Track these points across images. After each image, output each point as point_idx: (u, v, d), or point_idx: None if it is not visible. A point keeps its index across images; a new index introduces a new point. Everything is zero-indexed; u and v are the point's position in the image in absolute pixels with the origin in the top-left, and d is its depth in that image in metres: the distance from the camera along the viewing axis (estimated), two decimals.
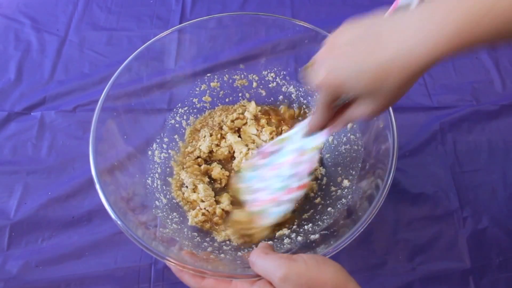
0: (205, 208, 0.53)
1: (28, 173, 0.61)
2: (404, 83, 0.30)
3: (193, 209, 0.54)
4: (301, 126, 0.44)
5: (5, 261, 0.54)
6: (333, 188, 0.54)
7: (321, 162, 0.59)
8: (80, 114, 0.67)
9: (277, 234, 0.51)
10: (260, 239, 0.50)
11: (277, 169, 0.48)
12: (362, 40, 0.31)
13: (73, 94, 0.70)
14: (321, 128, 0.41)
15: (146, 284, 0.53)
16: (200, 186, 0.55)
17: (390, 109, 0.46)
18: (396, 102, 0.33)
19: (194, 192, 0.55)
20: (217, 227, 0.53)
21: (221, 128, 0.62)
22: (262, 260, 0.35)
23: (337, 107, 0.38)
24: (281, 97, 0.64)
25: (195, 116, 0.64)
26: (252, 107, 0.63)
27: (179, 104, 0.62)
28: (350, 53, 0.32)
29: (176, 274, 0.39)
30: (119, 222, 0.40)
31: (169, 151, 0.59)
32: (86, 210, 0.58)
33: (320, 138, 0.43)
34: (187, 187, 0.56)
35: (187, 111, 0.63)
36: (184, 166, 0.59)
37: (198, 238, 0.50)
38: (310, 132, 0.43)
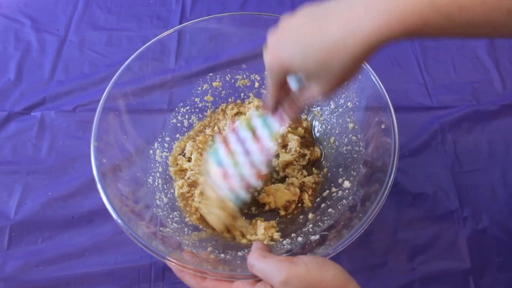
0: (189, 178, 0.53)
1: (28, 173, 0.61)
2: (350, 64, 0.30)
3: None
4: (259, 111, 0.45)
5: (5, 261, 0.54)
6: (334, 189, 0.54)
7: (322, 162, 0.59)
8: (80, 114, 0.67)
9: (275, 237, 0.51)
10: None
11: (240, 156, 0.47)
12: (310, 21, 0.31)
13: (73, 94, 0.70)
14: (274, 109, 0.42)
15: (146, 284, 0.53)
16: (193, 156, 0.55)
17: (392, 109, 0.46)
18: (343, 84, 0.33)
19: (189, 161, 0.56)
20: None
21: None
22: (261, 263, 0.34)
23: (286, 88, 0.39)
24: None
25: (196, 115, 0.64)
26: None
27: (181, 104, 0.62)
28: (297, 34, 0.32)
29: (177, 274, 0.39)
30: (119, 222, 0.40)
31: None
32: (86, 210, 0.58)
33: (277, 126, 0.43)
34: (184, 155, 0.57)
35: (189, 111, 0.63)
36: (195, 138, 0.60)
37: (197, 238, 0.50)
38: (264, 111, 0.43)
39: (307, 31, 0.31)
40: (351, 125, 0.56)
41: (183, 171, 0.57)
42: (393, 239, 0.56)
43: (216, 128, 0.62)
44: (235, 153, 0.47)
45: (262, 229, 0.50)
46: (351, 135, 0.55)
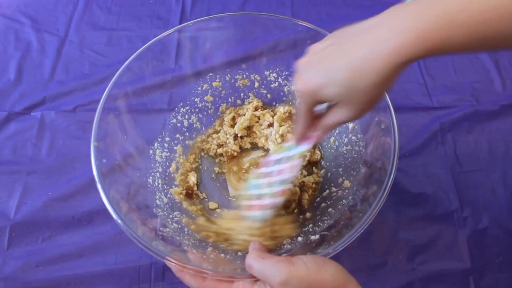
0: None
1: (28, 173, 0.61)
2: (376, 83, 0.30)
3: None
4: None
5: (5, 261, 0.54)
6: (334, 189, 0.54)
7: (321, 162, 0.59)
8: (80, 114, 0.67)
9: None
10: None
11: (271, 178, 0.48)
12: (335, 45, 0.32)
13: (73, 94, 0.70)
14: (303, 136, 0.41)
15: (146, 284, 0.53)
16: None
17: (392, 109, 0.46)
18: (375, 106, 0.34)
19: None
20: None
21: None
22: (259, 264, 0.34)
23: (317, 114, 0.38)
24: (283, 97, 0.64)
25: (196, 115, 0.64)
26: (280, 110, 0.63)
27: (181, 104, 0.62)
28: (324, 60, 0.32)
29: (177, 274, 0.39)
30: (119, 222, 0.40)
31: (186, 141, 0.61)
32: (86, 210, 0.58)
33: (304, 146, 0.43)
34: None
35: (189, 111, 0.63)
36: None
37: (198, 237, 0.50)
38: (297, 141, 0.43)
39: (333, 56, 0.31)
40: (351, 125, 0.56)
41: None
42: (393, 239, 0.56)
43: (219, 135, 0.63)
44: (268, 177, 0.48)
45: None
46: (351, 135, 0.55)
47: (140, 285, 0.53)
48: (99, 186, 0.42)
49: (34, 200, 0.59)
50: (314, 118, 0.39)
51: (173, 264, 0.38)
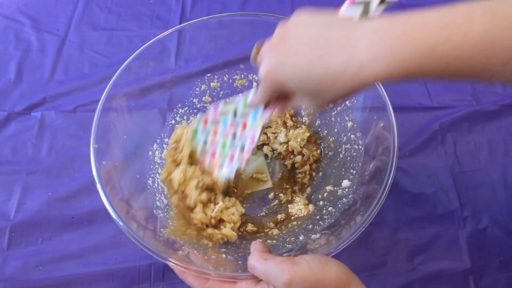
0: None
1: (28, 173, 0.61)
2: (343, 95, 0.31)
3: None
4: (245, 96, 0.45)
5: (5, 261, 0.54)
6: (333, 188, 0.54)
7: (321, 161, 0.59)
8: (80, 114, 0.67)
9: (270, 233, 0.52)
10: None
11: (223, 133, 0.49)
12: (314, 43, 0.30)
13: (73, 94, 0.70)
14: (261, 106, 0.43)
15: (146, 284, 0.53)
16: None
17: (391, 108, 0.46)
18: (333, 105, 0.34)
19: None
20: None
21: None
22: (262, 265, 0.34)
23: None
24: None
25: (195, 116, 0.64)
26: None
27: (179, 104, 0.62)
28: (298, 54, 0.31)
29: (180, 276, 0.39)
30: (120, 223, 0.40)
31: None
32: (86, 211, 0.58)
33: (263, 116, 0.44)
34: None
35: (188, 111, 0.63)
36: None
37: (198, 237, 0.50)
38: (251, 107, 0.44)
39: (307, 58, 0.30)
40: (350, 124, 0.56)
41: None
42: (393, 239, 0.56)
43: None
44: (221, 133, 0.49)
45: (301, 205, 0.53)
46: (350, 133, 0.55)
47: (140, 285, 0.53)
48: (99, 186, 0.42)
49: (34, 200, 0.59)
50: (273, 97, 0.40)
51: (176, 265, 0.38)
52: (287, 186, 0.58)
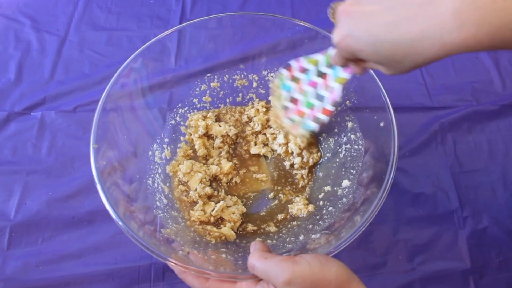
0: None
1: (28, 173, 0.61)
2: (421, 64, 0.29)
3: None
4: (326, 53, 0.44)
5: (5, 261, 0.54)
6: (333, 188, 0.54)
7: (320, 161, 0.59)
8: (80, 114, 0.67)
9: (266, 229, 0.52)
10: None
11: (307, 86, 0.48)
12: (386, 9, 0.29)
13: (73, 94, 0.70)
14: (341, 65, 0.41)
15: (146, 284, 0.53)
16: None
17: (391, 109, 0.46)
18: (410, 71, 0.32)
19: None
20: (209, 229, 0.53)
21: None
22: (262, 264, 0.34)
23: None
24: None
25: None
26: None
27: (179, 104, 0.62)
28: (371, 24, 0.30)
29: (179, 276, 0.39)
30: (120, 223, 0.40)
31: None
32: (86, 210, 0.58)
33: (343, 74, 0.43)
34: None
35: (188, 111, 0.63)
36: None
37: (198, 238, 0.50)
38: (332, 64, 0.43)
39: (381, 23, 0.29)
40: (350, 124, 0.56)
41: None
42: (393, 239, 0.56)
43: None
44: (303, 83, 0.48)
45: (301, 205, 0.53)
46: (350, 133, 0.55)
47: (140, 285, 0.53)
48: (98, 187, 0.42)
49: (34, 200, 0.59)
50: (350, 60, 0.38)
51: (176, 265, 0.38)
52: (287, 187, 0.58)
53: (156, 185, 0.54)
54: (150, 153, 0.56)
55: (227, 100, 0.65)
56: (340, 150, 0.57)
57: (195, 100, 0.63)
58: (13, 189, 0.60)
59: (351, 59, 0.37)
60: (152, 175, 0.55)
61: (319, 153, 0.59)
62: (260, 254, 0.36)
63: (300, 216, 0.54)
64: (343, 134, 0.57)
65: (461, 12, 0.25)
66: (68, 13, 0.81)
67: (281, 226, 0.54)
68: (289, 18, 0.57)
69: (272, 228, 0.53)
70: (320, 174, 0.58)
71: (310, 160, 0.58)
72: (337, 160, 0.56)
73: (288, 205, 0.55)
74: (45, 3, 0.82)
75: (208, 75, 0.62)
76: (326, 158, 0.59)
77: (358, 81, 0.53)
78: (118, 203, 0.43)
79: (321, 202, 0.54)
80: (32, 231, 0.57)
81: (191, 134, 0.61)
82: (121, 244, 0.55)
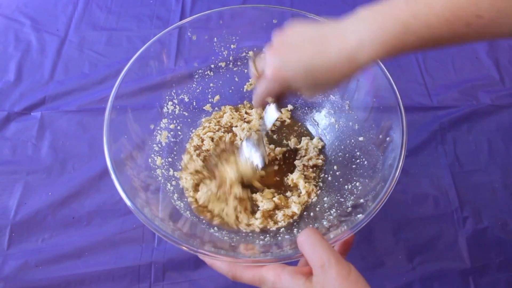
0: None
1: (28, 173, 0.61)
2: (342, 81, 0.36)
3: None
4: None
5: (5, 261, 0.54)
6: (338, 188, 0.54)
7: (326, 159, 0.59)
8: (80, 114, 0.67)
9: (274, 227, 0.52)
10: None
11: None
12: (309, 42, 0.35)
13: (73, 94, 0.70)
14: (263, 105, 0.46)
15: (146, 284, 0.53)
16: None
17: (402, 108, 0.46)
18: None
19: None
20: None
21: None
22: (313, 244, 0.34)
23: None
24: None
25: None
26: None
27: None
28: (300, 51, 0.36)
29: (207, 263, 0.39)
30: (141, 215, 0.40)
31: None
32: (86, 210, 0.58)
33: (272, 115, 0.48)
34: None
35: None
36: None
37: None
38: (256, 106, 0.47)
39: (309, 53, 0.35)
40: (356, 126, 0.55)
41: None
42: (393, 239, 0.56)
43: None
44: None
45: (302, 182, 0.55)
46: (354, 135, 0.55)
47: (140, 285, 0.53)
48: (113, 176, 0.42)
49: (34, 200, 0.59)
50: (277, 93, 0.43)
51: (206, 255, 0.38)
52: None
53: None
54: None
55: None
56: (343, 149, 0.57)
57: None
58: (13, 189, 0.60)
59: (278, 92, 0.41)
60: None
61: (322, 156, 0.59)
62: (314, 231, 0.35)
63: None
64: (347, 135, 0.57)
65: (359, 31, 0.33)
66: (68, 13, 0.81)
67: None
68: (289, 9, 0.57)
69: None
70: (324, 176, 0.58)
71: (311, 162, 0.58)
72: (340, 160, 0.56)
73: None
74: (45, 3, 0.82)
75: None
76: (329, 158, 0.59)
77: (366, 79, 0.53)
78: (135, 196, 0.43)
79: (325, 205, 0.53)
80: (32, 231, 0.57)
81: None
82: (121, 244, 0.55)
